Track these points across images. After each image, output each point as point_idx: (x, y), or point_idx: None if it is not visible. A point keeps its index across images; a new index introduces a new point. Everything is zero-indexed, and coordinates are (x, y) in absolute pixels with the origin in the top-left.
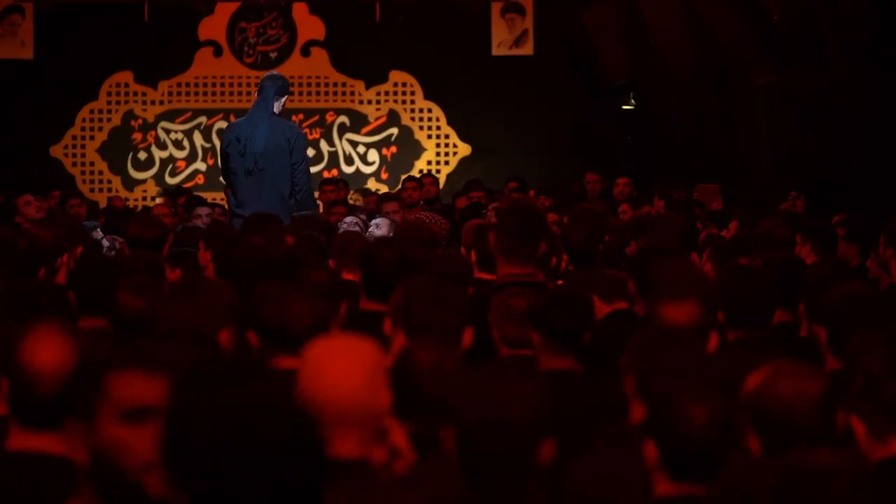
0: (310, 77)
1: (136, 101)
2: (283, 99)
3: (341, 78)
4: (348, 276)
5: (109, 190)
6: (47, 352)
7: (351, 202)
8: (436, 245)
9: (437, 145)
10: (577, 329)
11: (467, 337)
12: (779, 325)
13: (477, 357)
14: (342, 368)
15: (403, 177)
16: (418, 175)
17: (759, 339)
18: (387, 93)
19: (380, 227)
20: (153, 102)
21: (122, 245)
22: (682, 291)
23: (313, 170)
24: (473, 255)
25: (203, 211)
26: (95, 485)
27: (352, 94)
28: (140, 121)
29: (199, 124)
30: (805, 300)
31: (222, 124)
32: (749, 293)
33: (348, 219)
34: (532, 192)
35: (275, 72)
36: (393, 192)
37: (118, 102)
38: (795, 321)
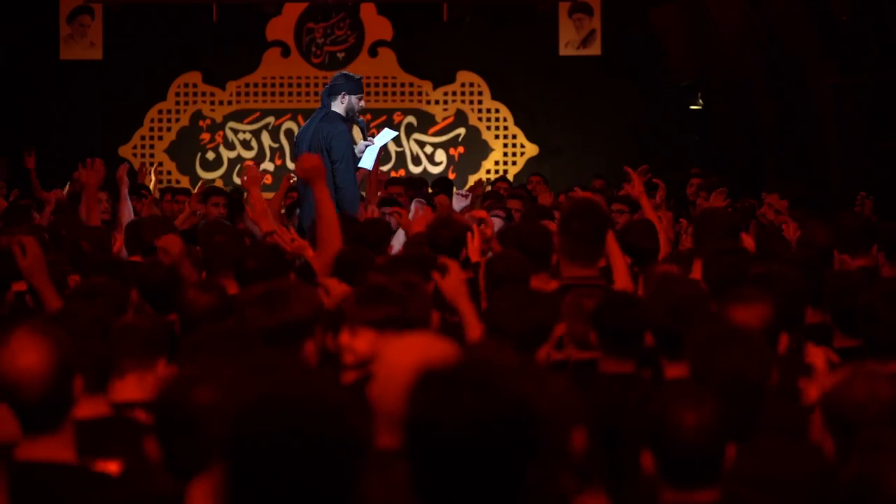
0: (377, 77)
1: (204, 102)
2: (340, 97)
3: (409, 78)
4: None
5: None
6: (26, 356)
7: None
8: (463, 243)
9: (505, 145)
10: (635, 331)
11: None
12: (810, 326)
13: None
14: (410, 372)
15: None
16: (486, 175)
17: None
18: (454, 93)
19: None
20: (221, 103)
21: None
22: (752, 293)
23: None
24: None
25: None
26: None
27: (419, 94)
28: (208, 121)
29: (267, 125)
30: (830, 304)
31: (290, 125)
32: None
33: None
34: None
35: (344, 71)
36: (516, 187)
37: (186, 103)
38: (825, 323)
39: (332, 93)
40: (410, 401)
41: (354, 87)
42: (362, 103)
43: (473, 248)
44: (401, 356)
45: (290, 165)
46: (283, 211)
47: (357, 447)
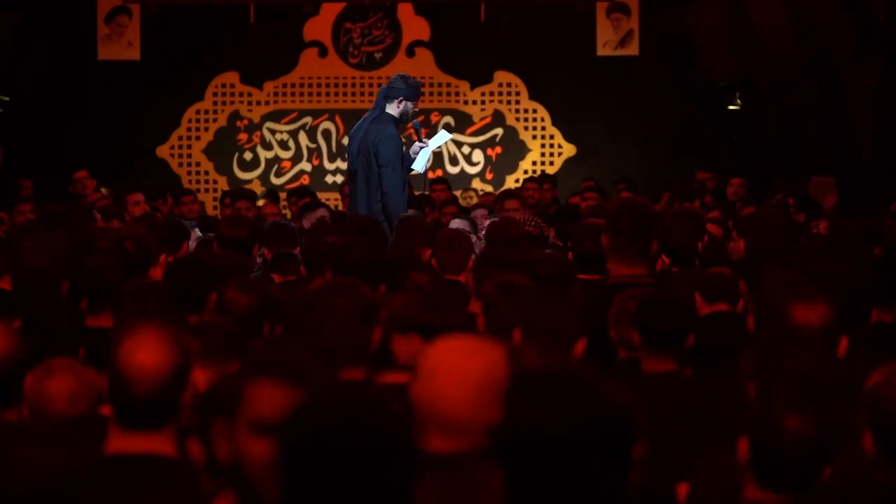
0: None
1: (241, 102)
2: (398, 101)
3: (446, 78)
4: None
5: (215, 190)
6: (145, 353)
7: (463, 203)
8: (526, 243)
9: (542, 146)
10: (678, 331)
11: (580, 346)
12: (876, 325)
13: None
14: (452, 378)
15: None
16: (524, 176)
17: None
18: (491, 93)
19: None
20: (259, 103)
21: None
22: (814, 291)
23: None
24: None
25: (321, 213)
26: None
27: (456, 94)
28: (246, 121)
29: (305, 125)
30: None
31: (328, 125)
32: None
33: (456, 221)
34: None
35: (403, 73)
36: (514, 189)
37: (224, 103)
38: (893, 321)
39: (388, 95)
40: (509, 405)
41: (412, 93)
42: (416, 109)
43: None
44: (443, 357)
45: (328, 166)
46: (288, 214)
47: (412, 449)
